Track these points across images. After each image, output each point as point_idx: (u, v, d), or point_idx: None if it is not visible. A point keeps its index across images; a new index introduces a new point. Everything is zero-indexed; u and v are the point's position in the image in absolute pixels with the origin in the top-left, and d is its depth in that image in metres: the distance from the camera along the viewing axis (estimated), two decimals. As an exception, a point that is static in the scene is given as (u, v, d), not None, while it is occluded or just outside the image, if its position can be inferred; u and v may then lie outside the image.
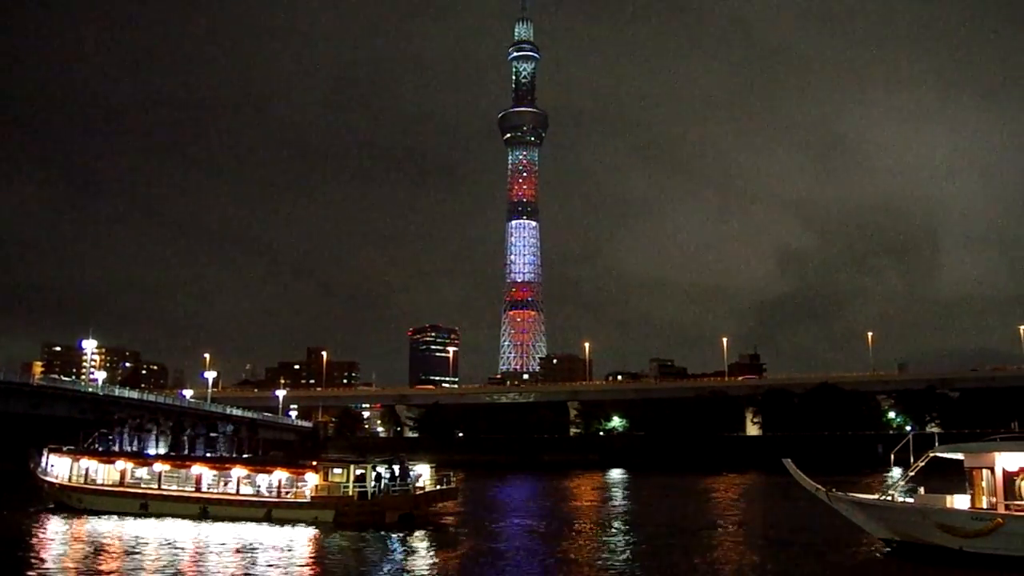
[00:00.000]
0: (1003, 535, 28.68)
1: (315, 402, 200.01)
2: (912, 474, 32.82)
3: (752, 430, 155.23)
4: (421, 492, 47.31)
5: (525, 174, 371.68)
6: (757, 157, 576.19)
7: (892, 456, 34.34)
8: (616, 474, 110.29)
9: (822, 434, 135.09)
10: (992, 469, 30.21)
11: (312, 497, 45.62)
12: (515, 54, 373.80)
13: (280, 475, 47.31)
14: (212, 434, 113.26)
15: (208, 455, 54.50)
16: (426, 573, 32.12)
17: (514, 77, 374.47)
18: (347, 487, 45.17)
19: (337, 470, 46.36)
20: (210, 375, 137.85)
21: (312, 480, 46.19)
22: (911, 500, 32.32)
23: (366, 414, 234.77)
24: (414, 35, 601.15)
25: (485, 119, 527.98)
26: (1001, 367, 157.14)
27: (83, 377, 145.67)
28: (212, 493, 48.36)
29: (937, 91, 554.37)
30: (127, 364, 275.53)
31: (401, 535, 41.08)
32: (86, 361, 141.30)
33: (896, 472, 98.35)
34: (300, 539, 39.88)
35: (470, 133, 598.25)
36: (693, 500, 67.19)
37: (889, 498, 32.78)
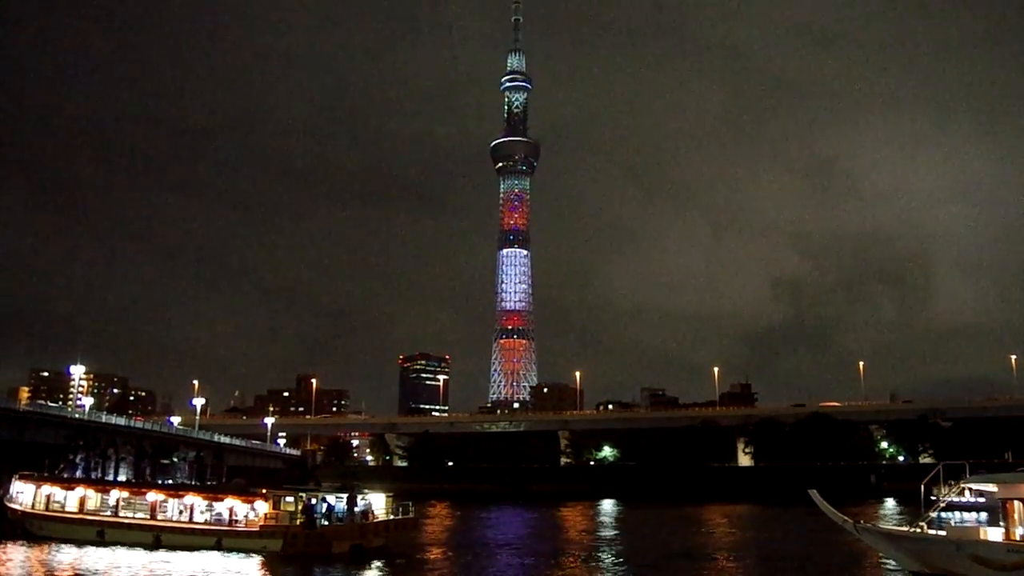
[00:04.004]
0: None
1: (304, 430, 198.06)
2: (943, 504, 32.25)
3: (744, 460, 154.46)
4: (372, 522, 46.40)
5: (517, 203, 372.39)
6: (749, 184, 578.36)
7: (922, 487, 33.51)
8: (607, 504, 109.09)
9: (814, 464, 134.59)
10: None
11: (261, 526, 45.02)
12: (508, 84, 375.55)
13: (232, 503, 46.59)
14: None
15: (166, 482, 53.58)
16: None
17: (506, 107, 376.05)
18: (296, 516, 44.68)
19: (288, 499, 45.79)
20: (198, 402, 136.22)
21: (262, 509, 45.56)
22: (943, 532, 31.64)
23: (355, 443, 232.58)
24: (405, 61, 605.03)
25: (476, 147, 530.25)
26: (994, 397, 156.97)
27: (70, 403, 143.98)
28: (165, 521, 47.73)
29: (931, 117, 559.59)
30: (115, 390, 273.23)
31: (347, 567, 40.12)
32: (73, 387, 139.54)
33: (890, 502, 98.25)
34: (240, 570, 39.02)
35: (461, 161, 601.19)
36: (687, 531, 66.13)
37: (919, 530, 31.99)
